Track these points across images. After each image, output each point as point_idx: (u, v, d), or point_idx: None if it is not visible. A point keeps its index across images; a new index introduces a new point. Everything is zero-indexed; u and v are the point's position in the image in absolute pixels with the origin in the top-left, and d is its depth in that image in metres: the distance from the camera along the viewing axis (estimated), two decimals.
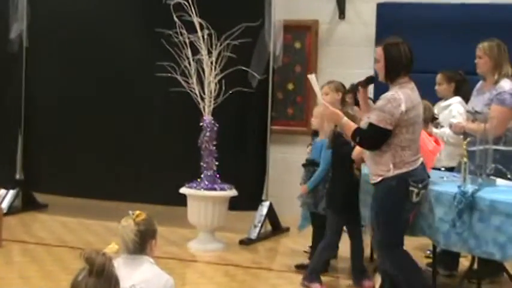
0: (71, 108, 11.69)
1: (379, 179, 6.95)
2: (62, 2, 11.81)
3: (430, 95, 8.82)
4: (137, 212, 5.62)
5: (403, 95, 6.81)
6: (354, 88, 7.58)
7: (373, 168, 7.04)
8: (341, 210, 8.28)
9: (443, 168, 8.63)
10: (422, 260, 9.35)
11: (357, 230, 8.53)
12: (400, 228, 7.09)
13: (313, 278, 8.31)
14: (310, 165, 8.89)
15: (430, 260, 8.70)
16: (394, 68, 6.95)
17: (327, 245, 8.40)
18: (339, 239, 8.46)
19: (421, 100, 7.08)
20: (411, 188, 6.89)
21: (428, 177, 7.12)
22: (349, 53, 11.13)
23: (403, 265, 7.14)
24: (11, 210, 11.58)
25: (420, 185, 6.92)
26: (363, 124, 7.09)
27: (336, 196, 8.31)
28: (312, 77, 7.49)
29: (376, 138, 6.89)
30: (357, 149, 7.91)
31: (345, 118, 7.26)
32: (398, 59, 6.97)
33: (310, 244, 9.22)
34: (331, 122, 7.87)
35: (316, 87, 7.50)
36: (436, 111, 8.79)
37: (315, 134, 9.46)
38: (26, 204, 12.08)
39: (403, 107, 6.77)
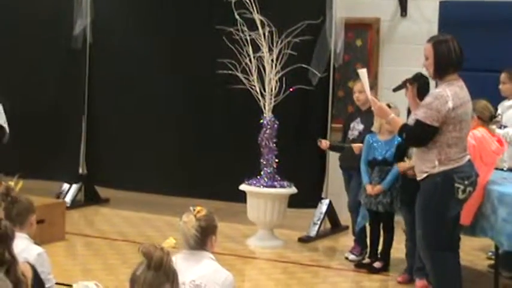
0: (132, 104, 11.73)
1: (425, 175, 6.88)
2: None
3: (494, 94, 8.68)
4: (198, 207, 5.59)
5: (451, 92, 6.74)
6: (402, 86, 7.47)
7: (419, 164, 6.99)
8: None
9: (505, 169, 8.48)
10: (484, 262, 9.24)
11: None
12: (446, 227, 6.95)
13: (420, 275, 8.25)
14: (384, 164, 8.75)
15: (492, 262, 8.58)
16: (443, 65, 6.89)
17: None
18: None
19: (470, 98, 6.94)
20: (457, 185, 6.78)
21: (476, 174, 6.96)
22: (411, 50, 10.96)
23: (439, 269, 7.02)
24: (74, 204, 11.66)
25: (466, 182, 6.81)
26: (410, 121, 7.02)
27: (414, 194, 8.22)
28: (362, 72, 7.46)
29: (422, 135, 6.84)
30: None
31: (392, 114, 7.23)
32: (448, 56, 6.90)
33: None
34: (378, 117, 7.79)
35: (366, 83, 7.44)
36: (499, 110, 8.63)
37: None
38: (89, 198, 12.17)
39: (450, 104, 6.69)
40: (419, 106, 6.97)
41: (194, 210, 5.61)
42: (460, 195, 6.82)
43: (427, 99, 6.84)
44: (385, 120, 7.46)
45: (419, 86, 7.47)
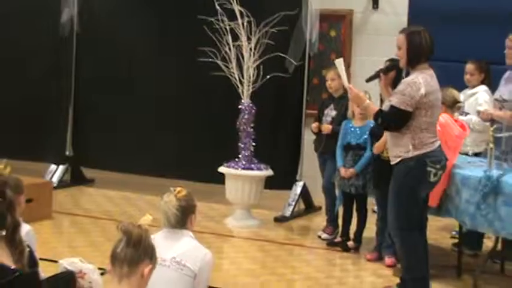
0: (115, 89, 11.74)
1: (398, 159, 6.95)
2: None
3: (457, 83, 8.73)
4: (178, 188, 5.65)
5: (423, 80, 6.85)
6: (376, 76, 7.52)
7: (393, 149, 7.05)
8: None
9: (470, 153, 8.56)
10: (448, 241, 9.32)
11: None
12: (417, 209, 7.05)
13: (388, 252, 8.46)
14: (358, 149, 8.80)
15: (456, 241, 8.67)
16: (416, 55, 6.97)
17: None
18: None
19: (439, 87, 7.04)
20: (429, 168, 6.88)
21: (446, 158, 7.08)
22: (382, 41, 11.02)
23: (408, 247, 7.09)
24: (61, 185, 11.65)
25: (438, 166, 6.92)
26: (385, 107, 7.11)
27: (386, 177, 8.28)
28: (339, 61, 7.49)
29: (397, 119, 6.89)
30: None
31: (368, 101, 7.38)
32: (420, 46, 6.99)
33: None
34: (355, 103, 7.84)
35: (343, 72, 7.47)
36: (462, 98, 8.69)
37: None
38: (74, 178, 12.15)
39: (422, 91, 6.80)
40: (393, 93, 7.05)
41: (175, 190, 5.66)
42: (432, 179, 6.93)
43: (401, 86, 6.94)
44: (361, 106, 7.50)
45: (393, 74, 7.56)
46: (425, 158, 6.87)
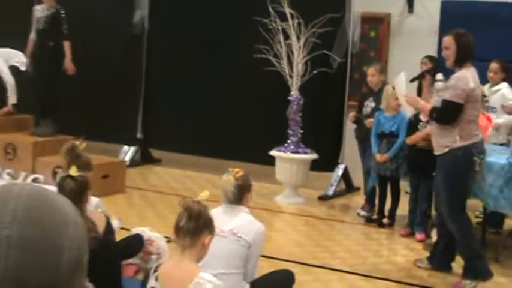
0: (182, 79, 11.76)
1: (446, 149, 6.80)
2: None
3: (483, 80, 8.69)
4: (236, 169, 5.67)
5: (470, 75, 6.71)
6: (421, 76, 7.47)
7: (440, 140, 6.89)
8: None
9: (498, 143, 8.57)
10: (473, 219, 9.25)
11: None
12: (465, 194, 6.95)
13: (419, 229, 8.53)
14: (391, 136, 8.76)
15: (480, 220, 8.59)
16: (463, 55, 6.81)
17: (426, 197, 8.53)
18: None
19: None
20: (475, 158, 6.78)
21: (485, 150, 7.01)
22: (416, 42, 10.95)
23: (465, 229, 6.96)
24: (132, 164, 11.70)
25: (482, 156, 6.84)
26: (436, 103, 6.95)
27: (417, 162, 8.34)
28: (401, 77, 7.42)
29: (451, 112, 6.75)
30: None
31: (422, 101, 7.24)
32: (467, 47, 6.84)
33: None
34: (412, 106, 7.70)
35: (403, 85, 7.39)
36: (486, 93, 8.66)
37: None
38: (144, 158, 12.21)
39: (471, 85, 6.68)
40: (444, 88, 6.95)
41: (233, 171, 5.67)
42: (477, 167, 6.86)
43: (451, 81, 6.81)
44: (417, 107, 7.44)
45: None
46: (471, 149, 6.76)
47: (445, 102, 6.75)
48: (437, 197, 7.31)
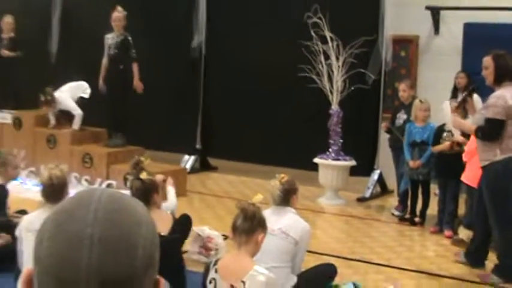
0: (235, 96, 11.81)
1: (487, 162, 6.61)
2: (233, 21, 11.80)
3: None
4: (282, 174, 5.72)
5: (508, 94, 6.49)
6: (463, 101, 7.36)
7: (482, 154, 6.69)
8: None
9: None
10: None
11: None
12: (507, 204, 6.64)
13: (448, 227, 8.47)
14: (422, 144, 8.72)
15: None
16: (501, 74, 6.60)
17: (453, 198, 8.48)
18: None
19: None
20: None
21: None
22: (441, 61, 10.90)
23: (507, 237, 6.68)
24: (192, 171, 11.74)
25: None
26: (477, 122, 6.77)
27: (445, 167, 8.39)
28: (446, 103, 7.36)
29: (495, 129, 6.53)
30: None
31: (466, 124, 7.07)
32: (505, 67, 6.63)
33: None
34: (458, 129, 7.60)
35: (448, 112, 7.30)
36: None
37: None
38: (203, 166, 12.26)
39: (510, 102, 6.46)
40: (485, 107, 6.76)
41: (279, 176, 5.71)
42: None
43: (491, 100, 6.58)
44: (463, 129, 7.30)
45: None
46: (510, 162, 6.55)
47: (488, 120, 6.55)
48: (480, 203, 7.00)
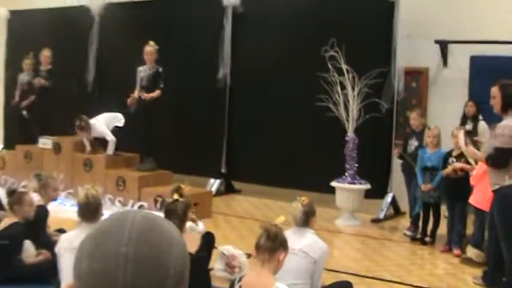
0: (258, 124, 11.86)
1: (497, 186, 6.55)
2: (255, 54, 11.88)
3: None
4: (303, 197, 5.70)
5: None
6: (466, 140, 7.34)
7: (493, 178, 6.61)
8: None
9: None
10: None
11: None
12: None
13: (456, 246, 8.44)
14: (432, 169, 8.68)
15: None
16: (508, 102, 6.52)
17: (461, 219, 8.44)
18: None
19: None
20: None
21: None
22: (450, 91, 10.92)
23: None
24: (217, 193, 11.76)
25: None
26: (487, 150, 6.71)
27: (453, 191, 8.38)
28: (460, 131, 7.31)
29: (503, 157, 6.44)
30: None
31: (478, 153, 6.98)
32: (511, 96, 6.57)
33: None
34: (471, 157, 7.53)
35: (462, 139, 7.23)
36: None
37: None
38: (227, 189, 12.29)
39: None
40: (493, 136, 6.71)
41: (300, 199, 5.69)
42: None
43: (499, 130, 6.49)
44: (475, 158, 7.24)
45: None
46: None
47: (497, 149, 6.47)
48: (492, 227, 6.91)
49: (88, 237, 1.33)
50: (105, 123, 11.09)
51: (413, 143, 9.34)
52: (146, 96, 10.42)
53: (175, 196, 5.99)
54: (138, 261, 1.26)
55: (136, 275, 1.26)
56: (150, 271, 1.27)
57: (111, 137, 11.02)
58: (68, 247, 5.43)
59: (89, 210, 5.67)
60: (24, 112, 12.90)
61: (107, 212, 9.66)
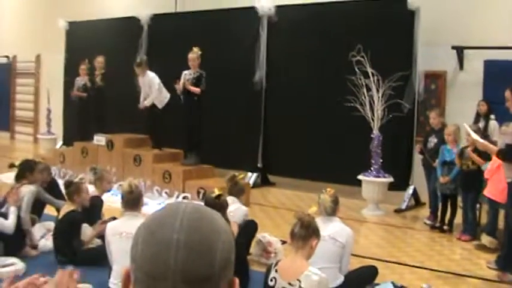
0: (291, 122, 11.87)
1: (510, 179, 6.55)
2: (289, 58, 11.91)
3: None
4: (329, 189, 5.68)
5: None
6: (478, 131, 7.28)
7: (507, 172, 6.59)
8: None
9: None
10: None
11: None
12: None
13: (468, 233, 8.37)
14: (450, 164, 8.62)
15: None
16: None
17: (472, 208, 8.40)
18: None
19: None
20: None
21: None
22: (465, 92, 10.83)
23: None
24: (254, 185, 11.79)
25: None
26: (500, 145, 6.72)
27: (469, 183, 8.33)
28: (466, 126, 7.26)
29: None
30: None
31: (490, 145, 6.85)
32: None
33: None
34: (482, 149, 7.49)
35: (471, 131, 7.15)
36: None
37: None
38: (263, 182, 12.31)
39: None
40: (504, 133, 6.73)
41: (327, 190, 5.71)
42: None
43: (510, 129, 6.54)
44: (486, 149, 7.20)
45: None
46: None
47: (508, 145, 6.47)
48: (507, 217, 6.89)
49: (143, 226, 1.34)
50: (158, 85, 11.15)
51: (433, 140, 9.28)
52: (190, 87, 10.43)
53: (217, 190, 6.02)
54: (189, 247, 1.27)
55: (187, 259, 1.26)
56: (199, 256, 1.27)
57: (154, 93, 11.09)
58: (115, 233, 5.54)
59: (132, 199, 5.74)
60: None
61: (152, 202, 9.77)
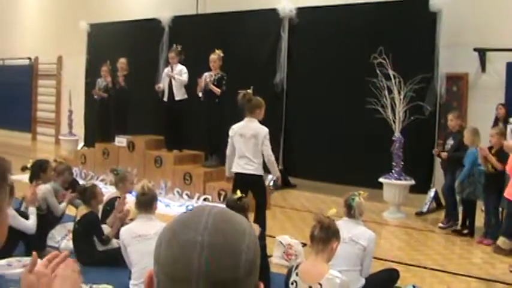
0: (312, 125, 11.90)
1: None
2: (310, 61, 11.94)
3: None
4: (362, 192, 5.76)
5: None
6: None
7: None
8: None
9: None
10: None
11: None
12: None
13: (489, 237, 8.35)
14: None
15: None
16: None
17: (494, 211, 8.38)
18: None
19: None
20: None
21: None
22: (487, 94, 10.80)
23: None
24: (274, 187, 11.64)
25: None
26: None
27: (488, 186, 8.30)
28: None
29: None
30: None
31: None
32: None
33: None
34: (509, 150, 7.44)
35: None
36: None
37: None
38: (284, 184, 12.19)
39: None
40: None
41: (360, 193, 5.72)
42: None
43: None
44: (510, 150, 7.15)
45: None
46: None
47: None
48: None
49: (167, 227, 1.33)
50: (186, 77, 11.20)
51: (450, 142, 9.27)
52: (212, 86, 10.46)
53: (239, 193, 6.05)
54: (213, 249, 1.26)
55: (211, 261, 1.25)
56: (223, 258, 1.26)
57: (185, 78, 11.11)
58: (131, 236, 5.62)
59: (145, 200, 5.79)
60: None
61: (173, 204, 9.79)
